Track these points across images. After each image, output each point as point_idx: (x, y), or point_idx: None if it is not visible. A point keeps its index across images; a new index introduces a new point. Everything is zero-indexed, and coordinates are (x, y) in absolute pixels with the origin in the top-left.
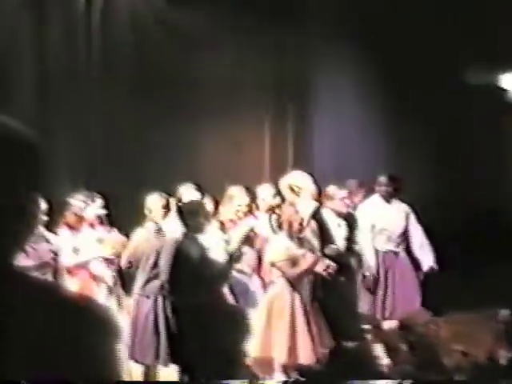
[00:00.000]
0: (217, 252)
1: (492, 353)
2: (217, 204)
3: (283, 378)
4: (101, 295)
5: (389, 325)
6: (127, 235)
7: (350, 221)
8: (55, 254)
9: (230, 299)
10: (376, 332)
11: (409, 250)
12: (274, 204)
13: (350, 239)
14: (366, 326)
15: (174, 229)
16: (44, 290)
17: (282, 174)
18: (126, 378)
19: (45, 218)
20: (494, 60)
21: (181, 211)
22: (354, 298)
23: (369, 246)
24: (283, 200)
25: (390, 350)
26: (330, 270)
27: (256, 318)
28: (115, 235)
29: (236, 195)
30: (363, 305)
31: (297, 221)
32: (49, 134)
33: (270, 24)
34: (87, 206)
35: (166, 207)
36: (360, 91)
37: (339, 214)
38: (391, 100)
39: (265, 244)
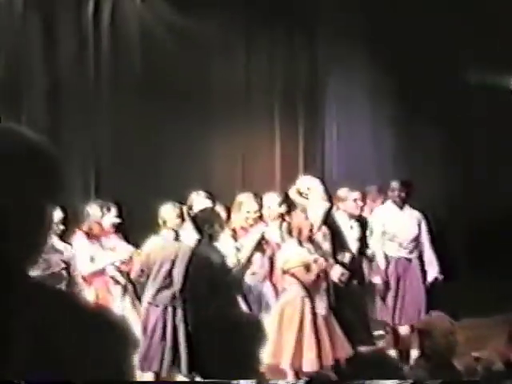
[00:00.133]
0: (229, 259)
1: (506, 357)
2: (229, 212)
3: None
4: (116, 299)
5: (403, 330)
6: (138, 244)
7: (363, 223)
8: (67, 264)
9: (244, 306)
10: (390, 337)
11: (421, 257)
12: (279, 212)
13: (363, 241)
14: (380, 332)
15: (189, 237)
16: (59, 299)
17: (293, 180)
18: None
19: (60, 227)
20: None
21: (195, 219)
22: (366, 303)
23: (379, 252)
24: (290, 208)
25: (404, 355)
26: (343, 278)
27: (268, 324)
28: (126, 245)
29: (245, 202)
30: (375, 310)
31: (307, 227)
32: (59, 143)
33: (281, 31)
34: (104, 214)
35: (180, 216)
36: (371, 96)
37: (352, 216)
38: (403, 105)
39: (276, 251)
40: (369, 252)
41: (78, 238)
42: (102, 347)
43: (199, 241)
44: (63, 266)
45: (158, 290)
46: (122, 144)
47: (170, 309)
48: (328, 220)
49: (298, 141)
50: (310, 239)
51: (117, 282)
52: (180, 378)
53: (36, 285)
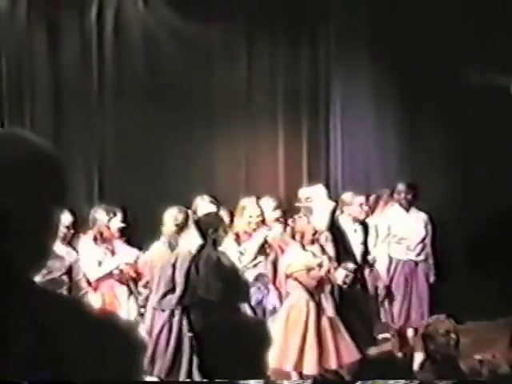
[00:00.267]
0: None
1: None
2: (232, 216)
3: None
4: (122, 303)
5: (409, 333)
6: (142, 248)
7: (367, 227)
8: (68, 269)
9: (248, 311)
10: (396, 340)
11: (427, 259)
12: (275, 217)
13: (366, 245)
14: (385, 335)
15: (191, 242)
16: (62, 301)
17: (297, 184)
18: None
19: (64, 230)
20: None
21: (199, 224)
22: (371, 306)
23: (384, 255)
24: (285, 213)
25: (410, 358)
26: (347, 280)
27: (273, 329)
28: (130, 249)
29: (247, 206)
30: (381, 313)
31: (309, 231)
32: (63, 147)
33: (283, 32)
34: (111, 219)
35: (184, 221)
36: (374, 96)
37: (356, 220)
38: (405, 106)
39: (279, 255)
40: (373, 255)
41: (85, 242)
42: (110, 352)
43: (203, 245)
44: (64, 271)
45: (164, 295)
46: (126, 147)
47: (176, 312)
48: (334, 221)
49: (302, 143)
50: (313, 243)
51: (123, 283)
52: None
53: (39, 287)
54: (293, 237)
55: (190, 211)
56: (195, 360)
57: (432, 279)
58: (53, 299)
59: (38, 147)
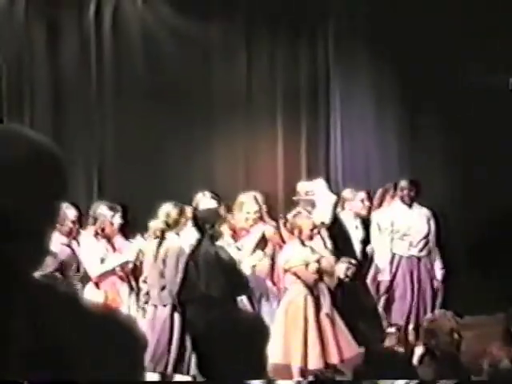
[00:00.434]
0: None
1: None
2: (230, 212)
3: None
4: (124, 299)
5: (410, 328)
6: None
7: (368, 223)
8: (61, 267)
9: (247, 306)
10: (397, 335)
11: (429, 255)
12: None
13: (367, 242)
14: (387, 329)
15: (186, 238)
16: (65, 303)
17: (296, 181)
18: None
19: (74, 226)
20: None
21: (197, 219)
22: (372, 301)
23: (385, 251)
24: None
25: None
26: (349, 273)
27: (274, 324)
28: (131, 245)
29: (245, 202)
30: (382, 308)
31: (308, 226)
32: (62, 144)
33: (283, 33)
34: (113, 215)
35: (178, 217)
36: (374, 96)
37: (357, 216)
38: (405, 105)
39: (277, 250)
40: (371, 246)
41: (86, 238)
42: (110, 350)
43: (199, 240)
44: (56, 267)
45: (162, 289)
46: (126, 147)
47: (177, 309)
48: (335, 216)
49: (301, 141)
50: (311, 239)
51: (124, 280)
52: (185, 378)
53: (39, 286)
54: (291, 232)
55: (188, 207)
56: (193, 356)
57: (440, 276)
58: (53, 298)
59: (37, 144)
